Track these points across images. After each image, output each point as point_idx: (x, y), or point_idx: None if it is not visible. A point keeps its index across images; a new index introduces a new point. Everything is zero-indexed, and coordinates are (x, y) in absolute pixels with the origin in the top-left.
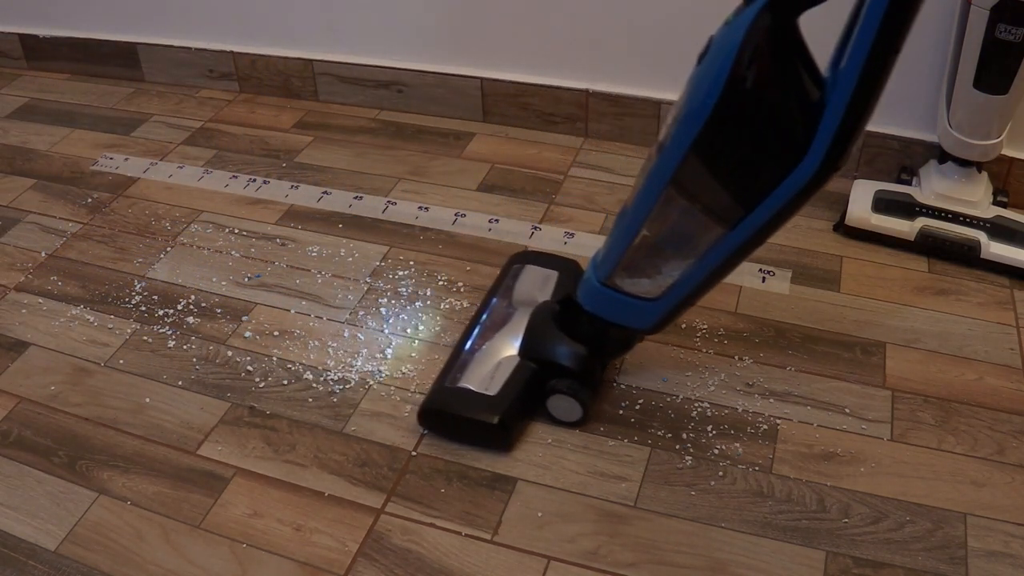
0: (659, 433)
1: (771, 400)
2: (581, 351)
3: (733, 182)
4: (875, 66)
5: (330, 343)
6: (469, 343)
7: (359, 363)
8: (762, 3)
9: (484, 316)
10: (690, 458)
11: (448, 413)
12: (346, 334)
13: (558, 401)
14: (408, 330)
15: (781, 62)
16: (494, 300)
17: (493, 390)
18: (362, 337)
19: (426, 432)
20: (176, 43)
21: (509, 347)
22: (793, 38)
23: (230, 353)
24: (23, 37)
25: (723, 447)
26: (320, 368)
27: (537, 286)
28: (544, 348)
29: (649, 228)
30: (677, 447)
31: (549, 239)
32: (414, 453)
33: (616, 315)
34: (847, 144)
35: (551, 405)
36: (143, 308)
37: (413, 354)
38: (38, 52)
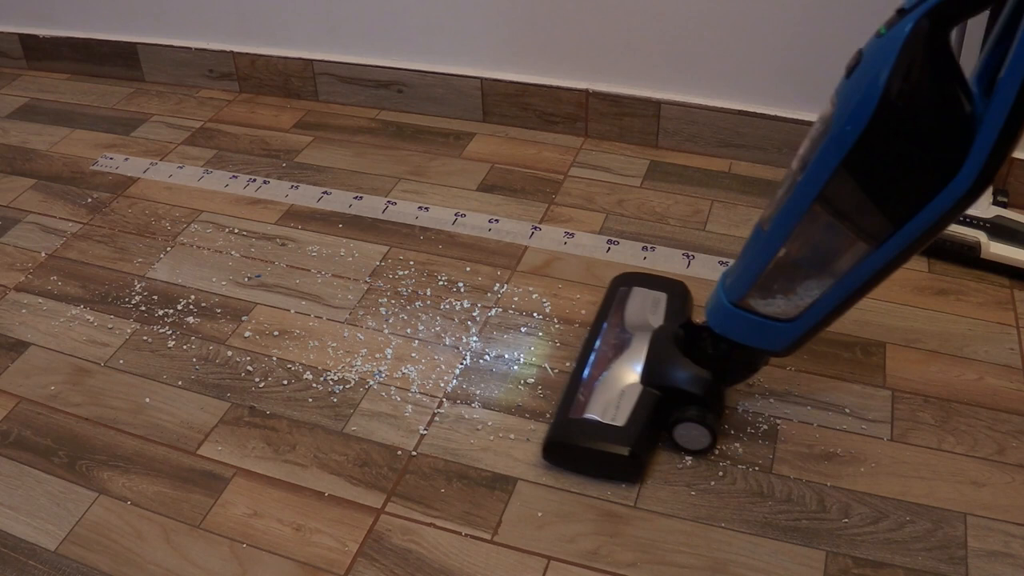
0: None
1: (771, 400)
2: (706, 376)
3: (884, 198)
4: None
5: (330, 343)
6: (587, 371)
7: (359, 363)
8: (919, 14)
9: (597, 342)
10: (690, 458)
11: (576, 446)
12: (346, 334)
13: (686, 430)
14: (408, 330)
15: (937, 75)
16: (605, 325)
17: (620, 420)
18: (362, 337)
19: (550, 464)
20: (176, 43)
21: (630, 374)
22: (946, 49)
23: (230, 353)
24: (23, 37)
25: (723, 447)
26: (320, 368)
27: (648, 309)
28: (668, 374)
29: (789, 247)
30: (677, 447)
31: (549, 239)
32: (414, 453)
33: (748, 337)
34: (1003, 157)
35: (678, 434)
36: (143, 308)
37: (413, 354)
38: (38, 52)
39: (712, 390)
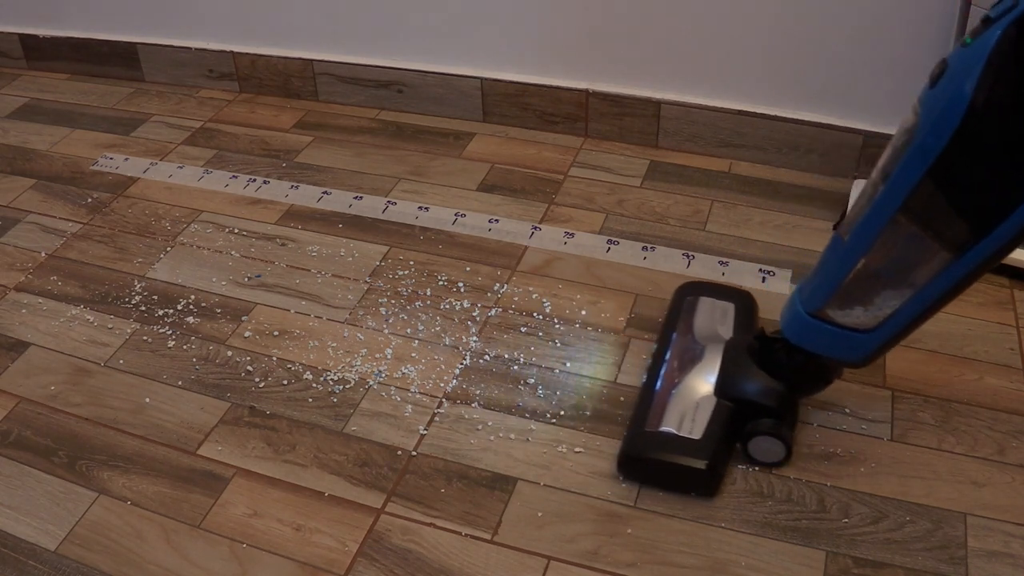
0: None
1: None
2: (780, 388)
3: (969, 208)
4: None
5: (330, 343)
6: (659, 383)
7: (359, 363)
8: (1007, 22)
9: (667, 354)
10: None
11: (652, 459)
12: (346, 334)
13: (760, 443)
14: (408, 330)
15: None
16: (674, 336)
17: (696, 433)
18: (362, 337)
19: (624, 479)
20: (176, 43)
21: (703, 386)
22: None
23: (230, 353)
24: (23, 37)
25: None
26: (320, 368)
27: (717, 319)
28: (742, 386)
29: (870, 257)
30: None
31: (549, 239)
32: (414, 453)
33: (825, 348)
34: None
35: (752, 447)
36: (143, 308)
37: (413, 354)
38: (38, 52)
39: (786, 402)
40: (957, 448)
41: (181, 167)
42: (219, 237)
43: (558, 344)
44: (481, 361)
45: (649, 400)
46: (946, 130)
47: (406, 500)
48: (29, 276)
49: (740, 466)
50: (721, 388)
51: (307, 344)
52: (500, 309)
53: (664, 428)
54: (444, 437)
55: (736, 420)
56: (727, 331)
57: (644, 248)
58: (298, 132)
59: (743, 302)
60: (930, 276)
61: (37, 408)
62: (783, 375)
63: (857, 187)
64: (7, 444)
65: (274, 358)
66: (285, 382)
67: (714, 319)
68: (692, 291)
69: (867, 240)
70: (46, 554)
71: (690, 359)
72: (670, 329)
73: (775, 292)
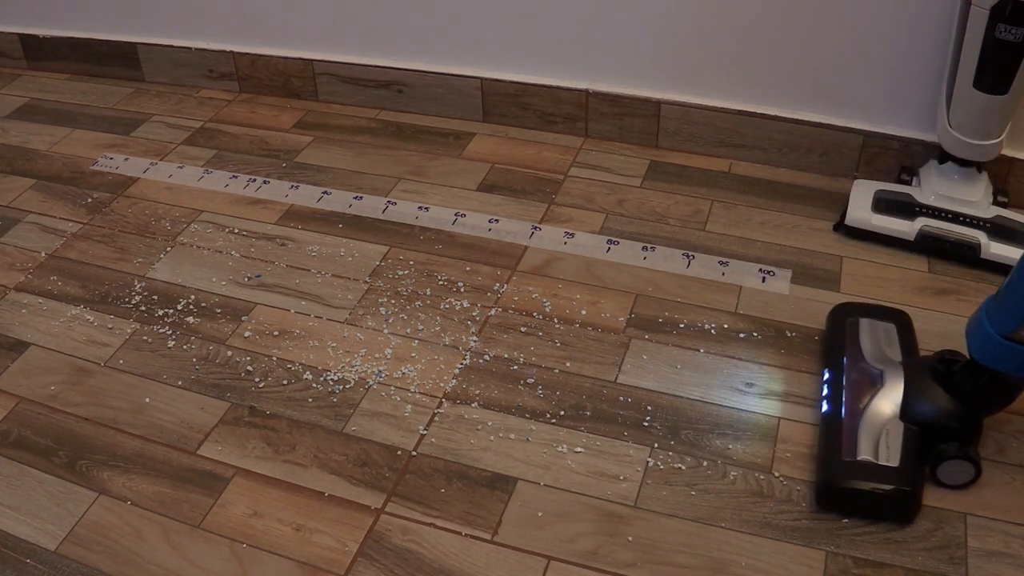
0: (659, 433)
1: (771, 400)
2: (967, 410)
3: None
4: None
5: (330, 343)
6: (843, 410)
7: (359, 363)
8: None
9: (844, 379)
10: (690, 458)
11: (856, 489)
12: (346, 334)
13: (951, 467)
14: (408, 330)
15: None
16: (845, 360)
17: (894, 460)
18: (362, 337)
19: (821, 508)
20: (176, 43)
21: (888, 410)
22: None
23: (230, 353)
24: (23, 37)
25: (723, 447)
26: (320, 368)
27: (882, 341)
28: (929, 410)
29: None
30: (677, 447)
31: (549, 239)
32: (414, 453)
33: (1017, 368)
34: None
35: (942, 471)
36: (143, 308)
37: (413, 354)
38: (38, 52)
39: (973, 423)
40: None
41: (181, 167)
42: (219, 237)
43: (558, 344)
44: (481, 361)
45: (838, 428)
46: None
47: (406, 500)
48: (29, 276)
49: (740, 466)
50: (907, 412)
51: (307, 344)
52: (500, 309)
53: (861, 457)
54: (444, 437)
55: (925, 443)
56: (895, 353)
57: (644, 248)
58: (298, 132)
59: (902, 321)
60: None
61: (37, 408)
62: (968, 396)
63: (857, 187)
64: (7, 444)
65: (274, 358)
66: (285, 382)
67: (879, 341)
68: (849, 313)
69: None
70: (46, 554)
71: (869, 384)
72: (838, 353)
73: (775, 292)
